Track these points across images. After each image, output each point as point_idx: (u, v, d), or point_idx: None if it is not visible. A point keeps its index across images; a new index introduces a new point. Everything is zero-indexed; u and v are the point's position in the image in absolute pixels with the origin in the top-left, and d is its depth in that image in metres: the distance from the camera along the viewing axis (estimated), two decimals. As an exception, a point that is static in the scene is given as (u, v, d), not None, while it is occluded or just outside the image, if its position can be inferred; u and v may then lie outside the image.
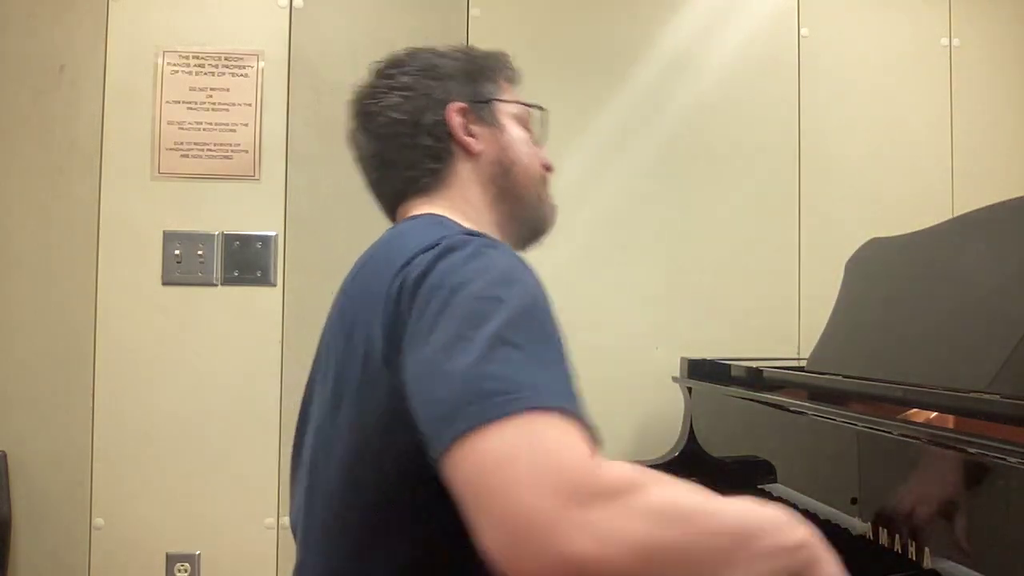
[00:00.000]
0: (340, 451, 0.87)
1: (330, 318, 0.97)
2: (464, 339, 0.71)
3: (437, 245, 0.81)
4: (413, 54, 1.06)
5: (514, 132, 1.06)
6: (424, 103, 1.02)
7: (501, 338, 0.71)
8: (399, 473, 0.82)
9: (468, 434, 0.66)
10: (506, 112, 1.06)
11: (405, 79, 1.03)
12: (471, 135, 1.03)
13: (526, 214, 1.06)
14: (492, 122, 1.05)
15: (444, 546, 0.81)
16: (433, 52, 1.06)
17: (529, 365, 0.70)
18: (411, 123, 1.01)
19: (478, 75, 1.06)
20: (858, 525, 1.24)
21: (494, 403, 0.66)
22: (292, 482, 1.00)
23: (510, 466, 0.63)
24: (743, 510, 0.68)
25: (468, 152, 1.02)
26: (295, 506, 0.97)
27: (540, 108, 1.11)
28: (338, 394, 0.88)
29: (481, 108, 1.04)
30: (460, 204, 1.01)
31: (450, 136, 1.02)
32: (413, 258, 0.82)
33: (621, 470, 0.66)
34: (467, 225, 0.95)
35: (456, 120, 1.02)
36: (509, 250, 0.84)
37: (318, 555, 0.90)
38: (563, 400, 0.69)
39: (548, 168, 1.10)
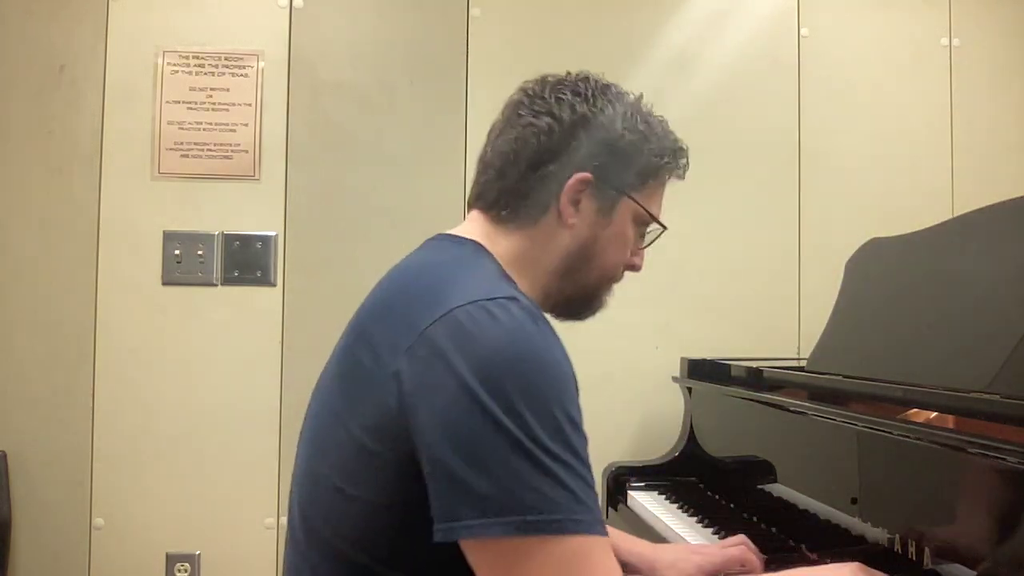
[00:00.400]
0: (336, 450, 0.88)
1: (358, 315, 0.95)
2: (503, 433, 0.75)
3: (477, 308, 0.80)
4: (596, 98, 0.97)
5: (617, 229, 1.00)
6: (559, 149, 0.95)
7: (541, 445, 0.75)
8: (389, 486, 0.83)
9: (508, 537, 0.74)
10: (627, 207, 1.00)
11: (566, 114, 0.95)
12: (575, 205, 0.96)
13: (576, 298, 1.02)
14: (605, 208, 0.98)
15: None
16: (615, 108, 0.98)
17: (570, 480, 0.76)
18: (532, 157, 0.95)
19: (630, 160, 0.99)
20: (858, 525, 1.23)
21: (543, 519, 0.74)
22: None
23: None
24: None
25: (560, 217, 0.96)
26: (291, 497, 0.99)
27: (663, 227, 1.05)
28: (345, 397, 0.89)
29: (604, 189, 0.97)
30: (521, 253, 0.96)
31: (557, 193, 0.95)
32: (448, 313, 0.80)
33: None
34: (515, 278, 0.93)
35: (572, 186, 0.95)
36: (550, 329, 0.84)
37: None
38: (599, 518, 0.77)
39: (633, 268, 1.05)
